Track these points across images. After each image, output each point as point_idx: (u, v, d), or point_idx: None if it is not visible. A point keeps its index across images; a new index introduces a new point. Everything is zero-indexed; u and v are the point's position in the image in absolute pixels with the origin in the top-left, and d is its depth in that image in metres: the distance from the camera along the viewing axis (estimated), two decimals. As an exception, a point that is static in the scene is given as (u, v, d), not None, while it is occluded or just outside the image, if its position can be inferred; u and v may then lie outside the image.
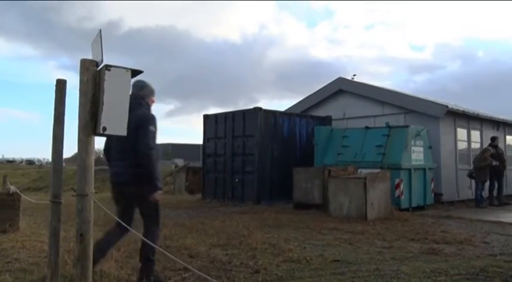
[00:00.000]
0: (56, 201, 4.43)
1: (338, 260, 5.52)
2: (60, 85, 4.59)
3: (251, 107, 13.22)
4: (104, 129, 3.33)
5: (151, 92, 4.55)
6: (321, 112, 16.23)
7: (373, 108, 15.14)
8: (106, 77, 3.36)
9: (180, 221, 8.48)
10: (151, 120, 4.29)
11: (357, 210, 9.41)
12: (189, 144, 53.12)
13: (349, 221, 8.94)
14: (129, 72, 3.50)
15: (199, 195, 14.05)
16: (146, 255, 4.27)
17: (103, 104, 3.33)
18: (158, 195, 4.27)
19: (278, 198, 12.14)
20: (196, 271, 3.82)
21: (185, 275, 4.69)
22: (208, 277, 4.08)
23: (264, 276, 4.71)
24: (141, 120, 4.21)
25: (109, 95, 3.35)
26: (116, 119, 3.39)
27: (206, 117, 14.40)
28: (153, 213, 4.32)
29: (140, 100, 4.39)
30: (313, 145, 13.19)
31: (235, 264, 5.21)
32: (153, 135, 4.25)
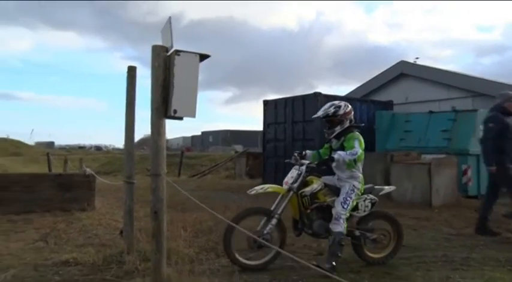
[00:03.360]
0: (129, 181, 4.71)
1: (403, 245, 5.42)
2: (132, 72, 4.84)
3: (308, 93, 13.10)
4: (175, 111, 3.49)
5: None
6: (381, 97, 15.83)
7: (438, 91, 14.53)
8: (176, 62, 3.51)
9: (243, 204, 8.65)
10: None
11: (421, 196, 9.15)
12: (247, 130, 53.69)
13: (413, 207, 8.70)
14: (198, 56, 3.62)
15: (259, 180, 14.21)
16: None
17: (173, 87, 3.48)
18: None
19: (338, 184, 12.04)
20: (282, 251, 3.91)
21: (251, 255, 4.82)
22: (288, 253, 4.15)
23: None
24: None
25: (179, 78, 3.50)
26: (185, 101, 3.53)
27: (266, 103, 14.47)
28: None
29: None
30: (374, 130, 12.90)
31: (299, 246, 5.26)
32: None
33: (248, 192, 4.46)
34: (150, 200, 3.50)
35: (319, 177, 4.63)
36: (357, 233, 4.59)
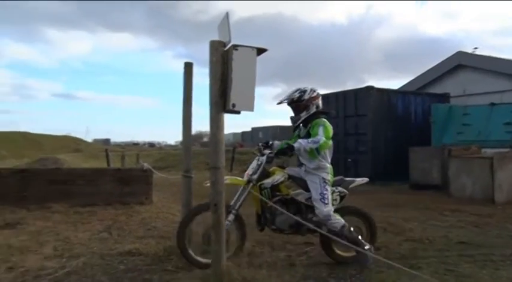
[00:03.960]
0: (187, 175, 4.82)
1: (464, 242, 5.23)
2: (188, 68, 4.93)
3: (360, 87, 12.87)
4: (233, 105, 3.53)
5: None
6: (437, 89, 15.27)
7: (500, 83, 13.80)
8: (234, 56, 3.54)
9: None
10: None
11: (483, 192, 8.74)
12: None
13: (473, 203, 8.35)
14: (255, 50, 3.64)
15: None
16: None
17: (232, 82, 3.52)
18: None
19: (392, 178, 11.72)
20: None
21: (307, 249, 4.82)
22: (346, 243, 4.12)
23: (386, 253, 4.65)
24: None
25: (237, 73, 3.53)
26: (244, 95, 3.55)
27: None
28: None
29: None
30: (430, 124, 12.47)
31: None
32: None
33: (204, 184, 4.07)
34: (210, 193, 3.57)
35: (284, 168, 4.39)
36: (325, 229, 4.30)
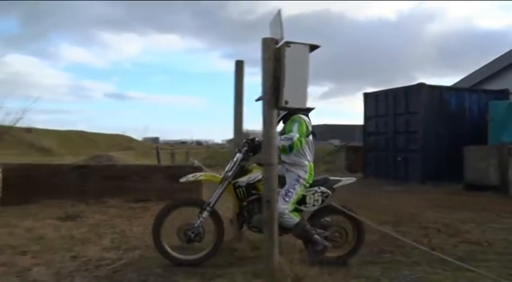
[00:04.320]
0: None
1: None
2: (240, 66, 4.99)
3: (411, 84, 12.51)
4: (286, 102, 3.54)
5: None
6: (494, 86, 14.55)
7: None
8: (286, 53, 3.55)
9: (344, 197, 8.53)
10: None
11: (545, 194, 8.28)
12: (343, 124, 52.72)
13: (536, 204, 7.92)
14: (308, 47, 3.63)
15: (359, 174, 13.93)
16: None
17: (284, 78, 3.53)
18: None
19: (445, 178, 11.30)
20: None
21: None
22: (403, 239, 4.05)
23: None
24: None
25: (290, 69, 3.54)
26: (296, 92, 3.56)
27: (366, 96, 14.10)
28: None
29: None
30: (487, 122, 11.91)
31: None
32: None
33: (180, 180, 4.12)
34: (263, 189, 3.60)
35: (262, 165, 4.11)
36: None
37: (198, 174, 4.28)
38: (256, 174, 4.10)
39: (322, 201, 4.20)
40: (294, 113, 4.08)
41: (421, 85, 12.19)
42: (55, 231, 5.28)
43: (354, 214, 4.28)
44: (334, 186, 4.28)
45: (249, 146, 4.20)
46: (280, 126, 4.28)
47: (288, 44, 3.56)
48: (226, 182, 4.08)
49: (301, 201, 4.12)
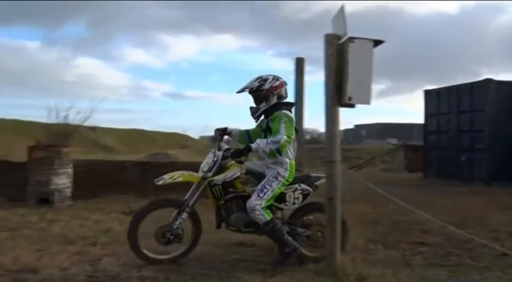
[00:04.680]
0: (299, 170, 4.85)
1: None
2: (300, 63, 4.98)
3: (477, 80, 11.88)
4: (350, 99, 3.49)
5: None
6: None
7: None
8: (350, 49, 3.50)
9: (404, 197, 8.28)
10: None
11: None
12: (401, 123, 51.32)
13: None
14: (372, 42, 3.56)
15: (419, 174, 13.47)
16: None
17: (348, 75, 3.48)
18: None
19: (513, 179, 10.66)
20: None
21: (422, 249, 4.60)
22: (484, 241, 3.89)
23: (516, 260, 4.25)
24: None
25: (353, 65, 3.48)
26: (360, 89, 3.51)
27: (427, 93, 13.58)
28: None
29: None
30: None
31: (476, 244, 4.82)
32: None
33: (155, 181, 3.93)
34: (326, 187, 3.57)
35: (241, 163, 4.02)
36: (286, 228, 4.02)
37: (176, 175, 3.98)
38: (233, 172, 3.95)
39: (303, 199, 4.03)
40: (277, 107, 3.88)
41: (488, 81, 11.56)
42: (120, 225, 5.49)
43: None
44: (316, 183, 4.10)
45: (222, 138, 4.09)
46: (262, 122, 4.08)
47: (351, 39, 3.51)
48: (206, 181, 3.92)
49: (281, 199, 3.96)
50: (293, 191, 3.98)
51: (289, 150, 3.91)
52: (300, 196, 4.00)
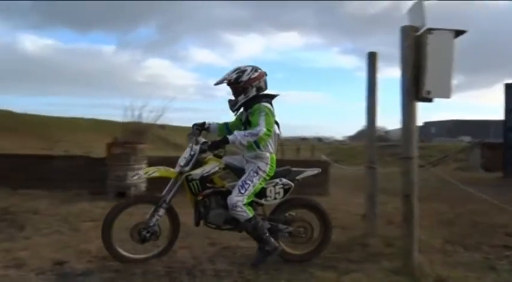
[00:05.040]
0: (372, 166, 4.75)
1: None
2: (372, 58, 4.84)
3: None
4: (428, 93, 3.35)
5: None
6: None
7: None
8: (428, 41, 3.36)
9: (482, 198, 7.82)
10: None
11: None
12: (474, 120, 48.61)
13: None
14: (453, 33, 3.40)
15: (497, 174, 12.64)
16: None
17: (426, 67, 3.34)
18: None
19: None
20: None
21: (508, 253, 4.32)
22: None
23: None
24: None
25: (432, 58, 3.34)
26: (440, 82, 3.36)
27: (508, 87, 12.70)
28: None
29: None
30: None
31: None
32: None
33: (130, 177, 3.73)
34: (402, 183, 3.45)
35: (220, 157, 3.87)
36: (267, 224, 3.82)
37: (151, 170, 3.85)
38: (211, 167, 3.82)
39: (285, 193, 3.89)
40: (257, 100, 3.74)
41: None
42: (192, 219, 5.67)
43: (321, 207, 4.10)
44: (297, 177, 3.96)
45: (200, 133, 3.96)
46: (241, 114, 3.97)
47: (430, 30, 3.36)
48: (183, 176, 3.78)
49: (262, 194, 3.82)
50: (274, 186, 3.85)
51: (270, 143, 3.79)
52: (281, 191, 3.87)
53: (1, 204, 6.12)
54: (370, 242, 4.47)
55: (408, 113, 3.46)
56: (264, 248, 3.77)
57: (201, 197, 3.79)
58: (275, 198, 3.87)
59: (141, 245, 3.77)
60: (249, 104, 3.76)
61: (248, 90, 3.75)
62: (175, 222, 3.94)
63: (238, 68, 3.81)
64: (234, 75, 3.76)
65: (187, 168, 3.74)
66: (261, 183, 3.73)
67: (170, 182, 3.83)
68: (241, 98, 3.77)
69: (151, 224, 3.75)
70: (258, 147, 3.68)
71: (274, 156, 3.83)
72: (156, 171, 3.79)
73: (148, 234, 3.73)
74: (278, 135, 3.88)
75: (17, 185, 7.42)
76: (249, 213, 3.66)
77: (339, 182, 9.96)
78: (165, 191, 3.83)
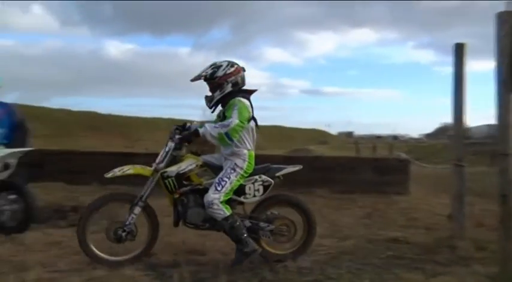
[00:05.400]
0: (459, 164, 4.49)
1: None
2: (460, 49, 4.57)
3: None
4: (528, 84, 3.09)
5: None
6: None
7: None
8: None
9: None
10: None
11: None
12: None
13: None
14: None
15: None
16: None
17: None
18: None
19: None
20: None
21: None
22: None
23: None
24: None
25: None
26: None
27: None
28: None
29: None
30: None
31: None
32: None
33: (105, 175, 3.57)
34: (499, 183, 3.22)
35: (198, 155, 3.78)
36: (247, 222, 3.70)
37: (126, 168, 3.73)
38: (187, 164, 3.71)
39: (264, 190, 3.75)
40: (232, 95, 3.65)
41: None
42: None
43: (304, 204, 3.96)
44: (277, 174, 3.81)
45: (181, 134, 3.74)
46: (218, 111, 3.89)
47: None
48: (159, 174, 3.68)
49: (241, 191, 3.69)
50: (253, 183, 3.72)
51: (246, 140, 3.69)
52: (261, 188, 3.74)
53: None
54: (458, 244, 4.22)
55: (504, 106, 3.22)
56: (242, 250, 3.64)
57: (177, 195, 3.71)
58: (254, 196, 3.77)
59: (117, 244, 3.67)
60: (225, 100, 3.73)
61: (223, 86, 3.70)
62: (154, 223, 3.81)
63: (214, 64, 3.76)
64: (210, 71, 3.72)
65: (161, 165, 3.68)
66: (238, 180, 3.64)
67: (148, 181, 3.76)
68: (217, 94, 3.73)
69: (127, 223, 3.65)
70: (230, 139, 3.52)
71: (252, 153, 3.74)
72: (131, 169, 3.73)
73: (124, 234, 3.63)
74: (253, 130, 3.77)
75: (106, 181, 7.90)
76: (226, 211, 3.56)
77: (419, 181, 9.57)
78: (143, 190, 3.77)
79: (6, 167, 4.64)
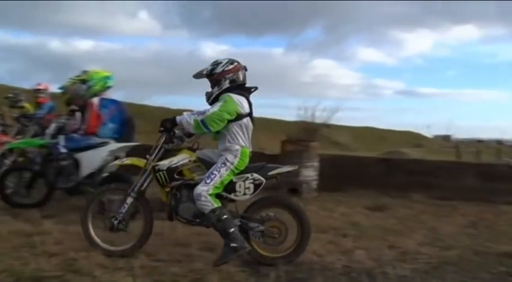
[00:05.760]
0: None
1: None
2: None
3: None
4: None
5: None
6: None
7: None
8: None
9: None
10: None
11: None
12: None
13: None
14: None
15: None
16: None
17: None
18: None
19: None
20: None
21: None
22: None
23: None
24: None
25: None
26: None
27: None
28: None
29: None
30: None
31: None
32: None
33: (109, 164, 3.79)
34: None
35: (194, 150, 3.82)
36: (237, 221, 3.63)
37: (125, 159, 4.19)
38: (180, 158, 3.75)
39: (255, 189, 3.69)
40: (229, 91, 3.67)
41: None
42: (366, 219, 5.55)
43: (298, 207, 3.86)
44: (270, 173, 3.74)
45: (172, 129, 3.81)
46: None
47: None
48: (151, 166, 3.75)
49: (231, 188, 3.67)
50: (244, 181, 3.69)
51: (239, 136, 3.66)
52: (251, 186, 3.69)
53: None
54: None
55: None
56: (229, 244, 3.52)
57: (168, 189, 3.76)
58: (245, 194, 3.73)
59: (110, 233, 3.83)
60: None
61: (221, 82, 3.74)
62: (148, 213, 3.89)
63: (215, 61, 3.83)
64: (210, 68, 3.79)
65: (152, 158, 3.79)
66: (229, 175, 3.62)
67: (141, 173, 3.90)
68: (215, 90, 3.77)
69: (119, 211, 3.81)
70: (206, 127, 3.53)
71: (246, 150, 3.69)
72: (128, 159, 4.05)
73: (116, 222, 3.78)
74: (247, 127, 3.73)
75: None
76: (214, 203, 3.54)
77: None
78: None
79: (116, 160, 5.03)
